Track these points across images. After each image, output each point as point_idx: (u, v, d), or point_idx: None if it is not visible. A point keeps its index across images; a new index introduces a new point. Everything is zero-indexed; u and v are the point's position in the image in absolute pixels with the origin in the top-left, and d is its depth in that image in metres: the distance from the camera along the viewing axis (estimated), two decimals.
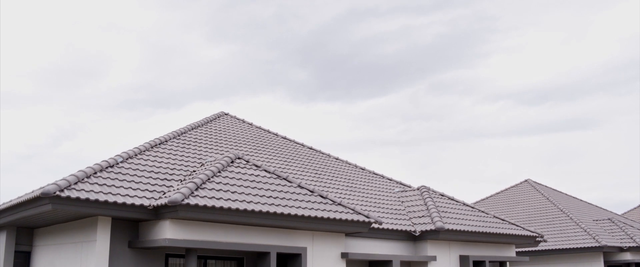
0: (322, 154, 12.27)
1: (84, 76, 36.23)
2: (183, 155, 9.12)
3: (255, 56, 37.08)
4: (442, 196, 11.18)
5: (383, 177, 12.25)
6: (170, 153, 8.99)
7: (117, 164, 7.87)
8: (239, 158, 8.73)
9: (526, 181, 18.53)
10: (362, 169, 12.26)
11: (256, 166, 8.69)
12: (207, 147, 9.95)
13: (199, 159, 9.11)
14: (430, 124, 40.21)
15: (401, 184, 12.11)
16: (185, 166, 8.64)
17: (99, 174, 7.35)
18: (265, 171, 8.65)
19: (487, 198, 18.26)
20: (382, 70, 37.68)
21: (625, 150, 39.26)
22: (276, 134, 12.27)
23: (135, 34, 35.20)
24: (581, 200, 18.50)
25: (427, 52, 37.41)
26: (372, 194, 10.91)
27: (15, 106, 35.36)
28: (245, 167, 8.49)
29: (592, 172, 39.54)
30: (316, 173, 10.93)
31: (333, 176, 11.13)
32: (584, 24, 36.51)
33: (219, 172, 8.04)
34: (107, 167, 7.61)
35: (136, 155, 8.44)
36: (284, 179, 8.64)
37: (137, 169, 7.93)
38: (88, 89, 37.04)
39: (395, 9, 35.55)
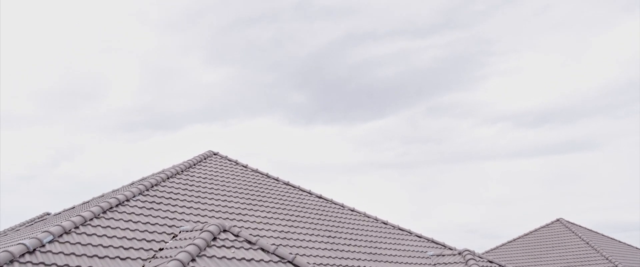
0: (335, 204, 9.34)
1: (83, 98, 35.02)
2: (154, 217, 6.37)
3: (253, 79, 35.35)
4: (491, 262, 8.25)
5: (410, 233, 9.31)
6: (141, 213, 6.29)
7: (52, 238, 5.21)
8: (224, 230, 5.87)
9: (558, 220, 15.68)
10: (384, 223, 9.26)
11: (249, 242, 5.84)
12: (187, 204, 7.16)
13: (172, 225, 6.35)
14: (429, 146, 38.42)
15: (433, 242, 9.27)
16: (150, 240, 5.90)
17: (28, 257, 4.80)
18: (263, 249, 5.80)
19: (516, 240, 15.56)
20: (380, 93, 35.93)
21: (625, 172, 37.70)
22: (277, 179, 9.42)
23: (134, 57, 33.88)
24: (619, 241, 15.91)
25: (425, 75, 35.85)
26: (400, 260, 7.95)
27: (15, 127, 34.75)
28: (233, 244, 5.68)
29: (592, 193, 38.02)
30: (329, 233, 7.93)
31: (350, 236, 8.11)
32: (582, 46, 35.10)
33: (194, 258, 5.23)
34: (35, 249, 5.02)
35: (89, 220, 5.77)
36: (289, 262, 5.75)
37: (90, 242, 5.30)
38: (87, 111, 35.90)
39: (392, 32, 34.11)
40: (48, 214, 10.51)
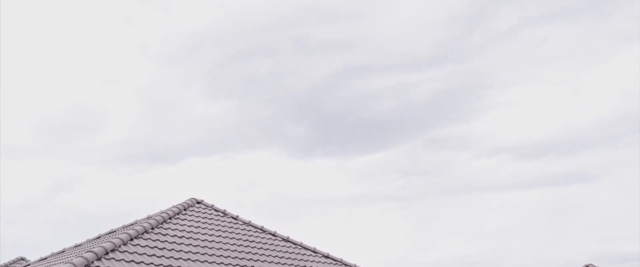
0: (333, 261, 8.63)
1: (82, 130, 34.64)
2: None
3: (252, 112, 34.95)
4: None
5: None
6: None
7: None
8: None
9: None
10: None
11: None
12: (165, 262, 6.73)
13: None
14: (428, 179, 37.85)
15: None
16: None
17: None
18: None
19: None
20: (378, 126, 35.47)
21: (625, 203, 37.08)
22: (274, 234, 8.67)
23: (133, 89, 33.50)
24: None
25: (423, 108, 35.38)
26: None
27: (15, 158, 34.38)
28: None
29: (593, 225, 37.36)
30: None
31: None
32: (580, 77, 34.61)
33: None
34: None
35: None
36: None
37: None
38: (86, 142, 35.46)
39: (390, 66, 33.67)
40: (23, 259, 10.11)
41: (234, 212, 8.98)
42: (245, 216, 9.04)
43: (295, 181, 35.14)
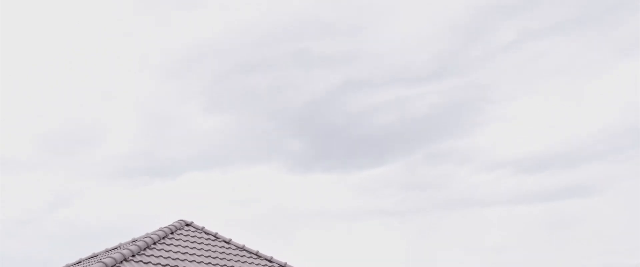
0: None
1: (81, 144, 34.21)
2: None
3: (251, 126, 34.49)
4: None
5: None
6: None
7: None
8: None
9: None
10: None
11: None
12: None
13: None
14: (428, 193, 37.30)
15: None
16: None
17: None
18: None
19: None
20: (378, 140, 34.97)
21: (626, 216, 36.58)
22: (270, 260, 8.10)
23: (133, 103, 33.09)
24: None
25: (423, 122, 34.92)
26: None
27: (14, 172, 33.90)
28: None
29: (594, 238, 36.81)
30: None
31: None
32: (580, 90, 34.15)
33: None
34: None
35: None
36: None
37: None
38: (85, 157, 34.97)
39: (389, 80, 33.24)
40: None
41: (227, 235, 8.39)
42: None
43: (295, 195, 34.65)
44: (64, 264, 8.23)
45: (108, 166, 34.63)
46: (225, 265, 7.44)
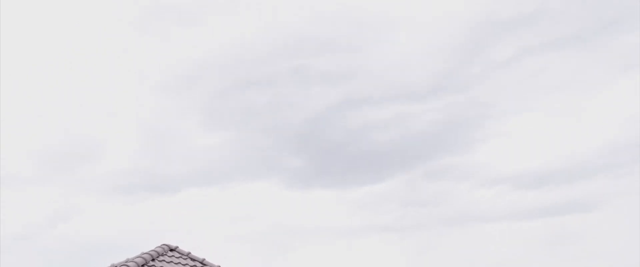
0: None
1: (81, 160, 34.17)
2: None
3: (250, 143, 34.39)
4: None
5: None
6: None
7: None
8: None
9: None
10: None
11: None
12: None
13: None
14: (427, 209, 37.13)
15: None
16: None
17: None
18: None
19: None
20: (377, 157, 34.85)
21: (626, 231, 36.31)
22: None
23: (131, 119, 33.05)
24: None
25: (422, 138, 34.79)
26: None
27: (13, 187, 33.97)
28: None
29: (593, 254, 36.50)
30: None
31: None
32: (580, 106, 34.00)
33: None
34: None
35: None
36: None
37: None
38: (85, 172, 34.95)
39: (389, 96, 33.19)
40: None
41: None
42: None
43: (295, 212, 34.52)
44: None
45: (108, 181, 34.51)
46: None
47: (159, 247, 7.73)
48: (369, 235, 36.52)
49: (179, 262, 7.59)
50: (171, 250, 7.85)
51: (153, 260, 7.37)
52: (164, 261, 7.49)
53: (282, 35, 30.12)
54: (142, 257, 7.34)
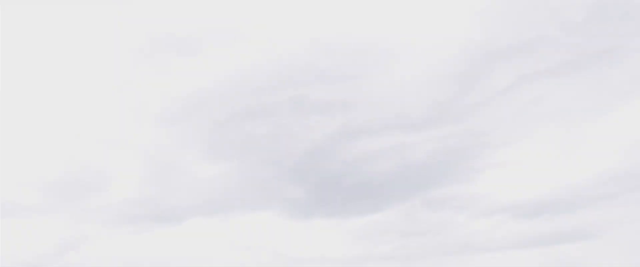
0: None
1: (87, 189, 34.25)
2: None
3: (251, 173, 34.35)
4: None
5: None
6: None
7: None
8: None
9: None
10: None
11: None
12: None
13: None
14: (427, 239, 36.81)
15: None
16: None
17: None
18: None
19: None
20: (377, 187, 34.76)
21: (625, 260, 35.96)
22: None
23: (135, 150, 33.12)
24: None
25: (420, 168, 34.69)
26: None
27: (21, 216, 34.06)
28: None
29: None
30: None
31: None
32: (578, 134, 33.97)
33: None
34: None
35: None
36: None
37: None
38: (91, 203, 35.03)
39: (387, 127, 33.16)
40: None
41: None
42: None
43: (295, 242, 34.26)
44: None
45: (113, 211, 34.30)
46: None
47: None
48: (369, 264, 36.04)
49: None
50: None
51: None
52: None
53: (281, 65, 30.23)
54: None
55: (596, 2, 26.01)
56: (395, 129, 32.48)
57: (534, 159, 34.25)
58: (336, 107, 30.84)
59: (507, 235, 35.09)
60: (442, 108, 31.34)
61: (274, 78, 29.65)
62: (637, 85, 25.33)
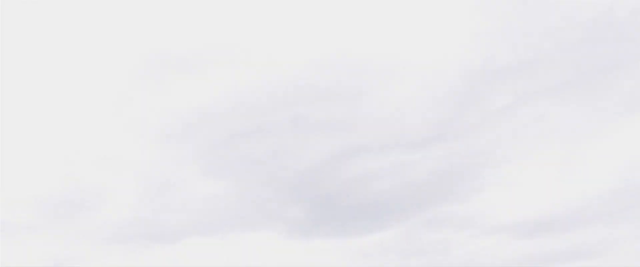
0: None
1: (80, 208, 33.85)
2: None
3: (250, 192, 34.12)
4: None
5: None
6: None
7: None
8: None
9: None
10: None
11: None
12: None
13: None
14: (427, 259, 36.45)
15: None
16: None
17: None
18: None
19: None
20: (377, 206, 34.52)
21: None
22: None
23: (131, 168, 32.78)
24: None
25: (421, 187, 34.45)
26: None
27: (13, 236, 33.54)
28: None
29: None
30: None
31: None
32: (578, 152, 33.74)
33: None
34: None
35: None
36: None
37: None
38: (84, 221, 34.61)
39: (387, 146, 33.00)
40: None
41: None
42: None
43: (294, 262, 33.98)
44: None
45: (108, 230, 33.96)
46: None
47: None
48: None
49: None
50: None
51: None
52: None
53: (279, 84, 30.18)
54: None
55: (593, 22, 25.90)
56: (395, 148, 32.30)
57: (534, 178, 33.95)
58: (335, 126, 30.72)
59: (508, 254, 34.74)
60: (442, 127, 31.18)
61: (272, 97, 29.61)
62: (635, 104, 25.10)
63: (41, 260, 32.97)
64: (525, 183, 33.83)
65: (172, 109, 29.31)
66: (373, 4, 28.69)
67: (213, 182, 33.94)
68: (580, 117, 30.59)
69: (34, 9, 25.67)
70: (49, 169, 33.06)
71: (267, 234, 34.27)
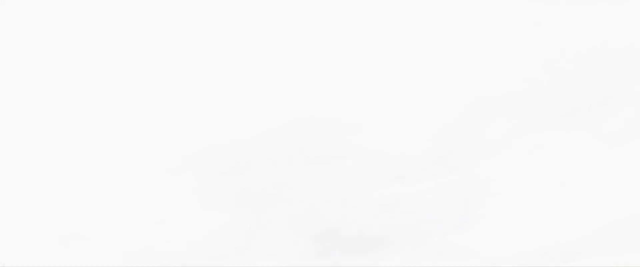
0: None
1: (76, 240, 32.93)
2: None
3: (249, 225, 33.51)
4: None
5: None
6: None
7: None
8: None
9: None
10: None
11: None
12: None
13: None
14: None
15: None
16: None
17: None
18: None
19: None
20: (377, 238, 33.77)
21: None
22: None
23: (130, 200, 32.11)
24: None
25: (422, 219, 33.60)
26: None
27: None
28: None
29: None
30: None
31: None
32: (577, 182, 32.94)
33: None
34: None
35: None
36: None
37: None
38: (82, 254, 33.52)
39: (387, 177, 32.40)
40: None
41: None
42: None
43: None
44: None
45: (106, 263, 33.64)
46: None
47: None
48: None
49: None
50: None
51: None
52: None
53: (278, 116, 30.14)
54: None
55: (588, 53, 25.87)
56: (394, 180, 31.88)
57: (534, 207, 33.45)
58: (335, 158, 30.38)
59: None
60: (440, 159, 30.87)
61: (272, 129, 29.48)
62: (632, 133, 25.02)
63: None
64: (525, 213, 33.25)
65: (171, 141, 29.41)
66: (371, 31, 29.04)
67: (213, 215, 33.39)
68: (580, 145, 30.22)
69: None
70: (44, 201, 32.76)
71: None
